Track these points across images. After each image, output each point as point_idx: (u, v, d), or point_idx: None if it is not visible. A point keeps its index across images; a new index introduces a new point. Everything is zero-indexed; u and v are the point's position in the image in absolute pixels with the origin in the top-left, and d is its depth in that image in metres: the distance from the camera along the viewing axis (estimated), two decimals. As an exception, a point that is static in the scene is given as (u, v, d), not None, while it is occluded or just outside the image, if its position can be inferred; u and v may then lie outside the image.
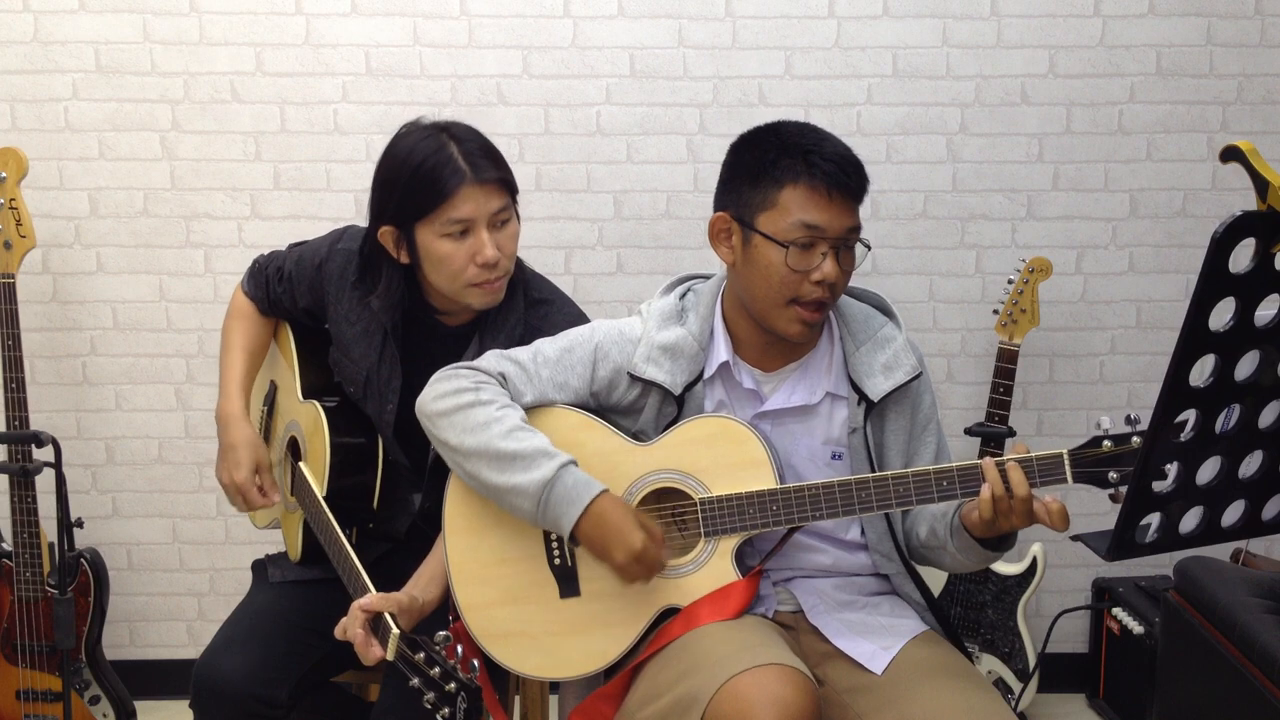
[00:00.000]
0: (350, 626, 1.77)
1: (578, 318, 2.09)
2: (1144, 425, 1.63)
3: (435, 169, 1.94)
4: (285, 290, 2.20)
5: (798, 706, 1.58)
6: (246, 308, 2.25)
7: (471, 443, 1.80)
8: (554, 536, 1.86)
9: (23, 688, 2.78)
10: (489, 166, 1.97)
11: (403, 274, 2.05)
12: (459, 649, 1.68)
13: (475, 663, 1.68)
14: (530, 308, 2.08)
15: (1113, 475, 1.65)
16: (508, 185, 2.00)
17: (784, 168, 1.78)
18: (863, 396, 1.87)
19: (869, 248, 1.84)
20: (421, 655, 1.67)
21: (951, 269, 3.08)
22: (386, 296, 2.05)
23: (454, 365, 1.91)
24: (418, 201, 1.95)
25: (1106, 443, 1.66)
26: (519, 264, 2.11)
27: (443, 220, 1.95)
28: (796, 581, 1.92)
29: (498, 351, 1.94)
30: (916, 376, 1.89)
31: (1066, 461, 1.67)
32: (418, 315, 2.10)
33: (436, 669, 1.64)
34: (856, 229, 1.81)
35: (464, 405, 1.83)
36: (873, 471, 1.85)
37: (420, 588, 1.90)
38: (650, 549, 1.75)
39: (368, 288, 2.07)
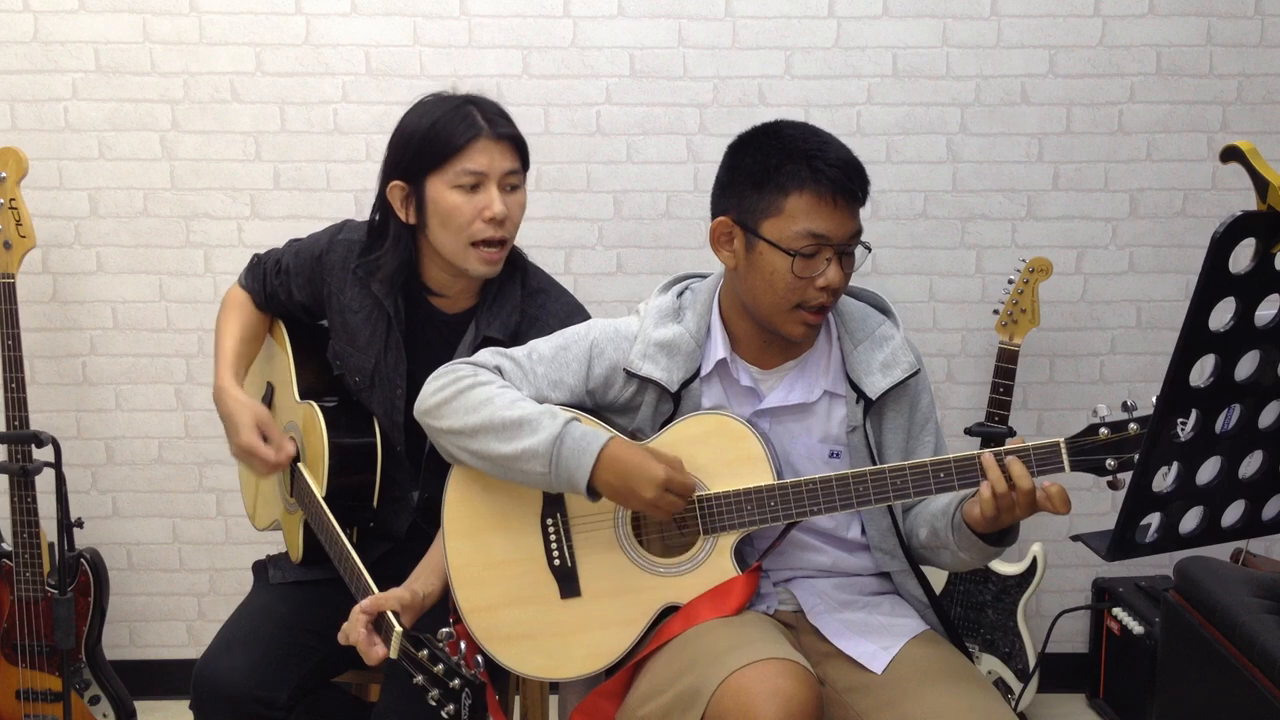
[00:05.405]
0: (352, 629, 1.78)
1: (574, 309, 2.10)
2: (1141, 412, 1.64)
3: (452, 123, 1.99)
4: (282, 283, 2.21)
5: (800, 699, 1.59)
6: (241, 298, 2.26)
7: (475, 420, 1.81)
8: (553, 537, 1.86)
9: (23, 688, 2.78)
10: (506, 124, 2.02)
11: (409, 237, 2.06)
12: (462, 645, 1.68)
13: (479, 658, 1.69)
14: (527, 297, 2.09)
15: (1110, 462, 1.65)
16: (521, 150, 2.04)
17: (788, 174, 1.77)
18: (861, 395, 1.87)
19: (869, 249, 1.84)
20: (425, 652, 1.66)
21: (951, 269, 3.08)
22: (393, 256, 2.06)
23: (449, 363, 1.92)
24: (432, 153, 1.98)
25: (1103, 430, 1.65)
26: (520, 253, 2.12)
27: (455, 170, 1.97)
28: (796, 582, 1.91)
29: (493, 349, 1.94)
30: (914, 374, 1.89)
31: (1064, 450, 1.67)
32: (415, 301, 2.10)
33: (440, 665, 1.64)
34: (858, 233, 1.82)
35: (463, 389, 1.84)
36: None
37: (421, 581, 1.90)
38: (675, 474, 1.75)
39: (372, 251, 2.08)
